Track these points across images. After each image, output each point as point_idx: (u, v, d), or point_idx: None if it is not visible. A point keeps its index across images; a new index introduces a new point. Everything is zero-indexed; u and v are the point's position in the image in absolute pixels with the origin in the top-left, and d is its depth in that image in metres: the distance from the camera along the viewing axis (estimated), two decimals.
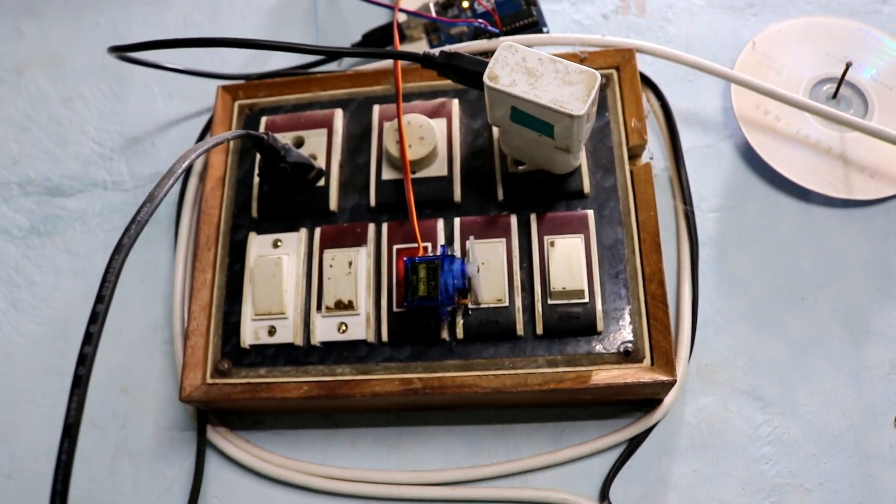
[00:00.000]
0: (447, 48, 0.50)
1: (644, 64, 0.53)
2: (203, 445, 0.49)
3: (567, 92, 0.39)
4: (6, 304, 0.56)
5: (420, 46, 0.55)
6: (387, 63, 0.54)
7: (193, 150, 0.35)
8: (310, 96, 0.53)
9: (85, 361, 0.28)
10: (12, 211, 0.59)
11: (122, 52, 0.47)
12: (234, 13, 0.63)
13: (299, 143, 0.50)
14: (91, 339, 0.28)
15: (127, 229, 0.30)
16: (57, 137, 0.61)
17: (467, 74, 0.42)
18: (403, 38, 0.55)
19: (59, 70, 0.64)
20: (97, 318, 0.28)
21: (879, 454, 0.45)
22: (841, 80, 0.52)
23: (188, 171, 0.55)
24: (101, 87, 0.63)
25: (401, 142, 0.47)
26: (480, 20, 0.53)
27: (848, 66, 0.51)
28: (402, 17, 0.55)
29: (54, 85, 0.63)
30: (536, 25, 0.54)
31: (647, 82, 0.53)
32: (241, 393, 0.45)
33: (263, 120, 0.51)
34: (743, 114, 0.52)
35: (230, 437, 0.49)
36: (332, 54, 0.47)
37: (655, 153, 0.53)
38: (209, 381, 0.46)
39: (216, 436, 0.49)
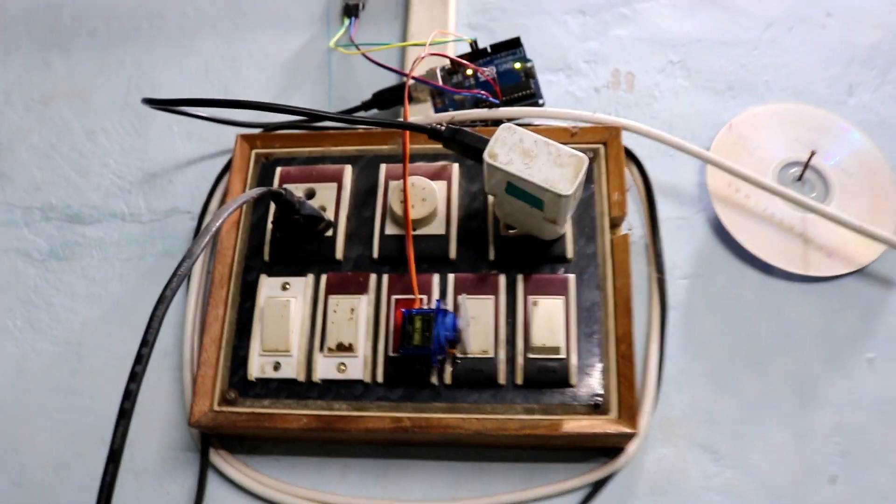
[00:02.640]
0: (450, 115, 0.55)
1: (630, 138, 0.58)
2: (205, 467, 0.53)
3: (558, 173, 0.44)
4: (24, 322, 0.60)
5: (426, 108, 0.60)
6: None
7: (226, 209, 0.40)
8: (322, 150, 0.57)
9: (130, 397, 0.32)
10: (33, 234, 0.63)
11: (154, 104, 0.51)
12: (252, 62, 0.68)
13: (311, 194, 0.55)
14: (136, 377, 0.32)
15: (169, 282, 0.35)
16: (79, 167, 0.65)
17: (469, 149, 0.47)
18: (411, 100, 0.60)
19: (84, 103, 0.68)
20: (142, 360, 0.33)
21: None
22: (806, 165, 0.58)
23: (203, 212, 0.60)
24: (124, 122, 0.67)
25: (405, 202, 0.51)
26: (482, 91, 0.58)
27: (812, 153, 0.57)
28: (410, 81, 0.59)
29: (78, 117, 0.68)
30: (534, 97, 0.59)
31: (632, 156, 0.59)
32: (246, 421, 0.49)
33: (278, 171, 0.56)
34: (716, 190, 0.58)
35: (231, 460, 0.53)
36: (346, 120, 0.52)
37: (635, 221, 0.58)
38: (216, 408, 0.50)
39: (218, 458, 0.53)
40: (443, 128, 0.48)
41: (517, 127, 0.46)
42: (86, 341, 0.59)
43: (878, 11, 0.64)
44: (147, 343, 0.33)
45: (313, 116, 0.48)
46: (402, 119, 0.56)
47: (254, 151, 0.58)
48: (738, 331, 0.55)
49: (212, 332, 0.52)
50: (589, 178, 0.54)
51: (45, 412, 0.57)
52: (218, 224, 0.38)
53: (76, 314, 0.60)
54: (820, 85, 0.62)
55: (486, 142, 0.46)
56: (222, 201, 0.59)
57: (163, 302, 0.34)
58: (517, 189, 0.46)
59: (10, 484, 0.55)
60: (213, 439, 0.54)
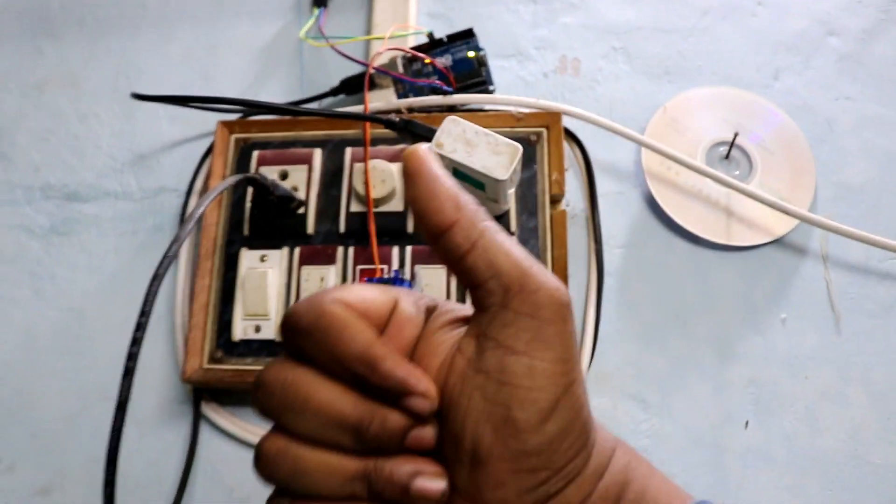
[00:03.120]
0: (409, 101, 0.61)
1: (573, 119, 0.64)
2: (198, 417, 0.60)
3: (495, 160, 0.51)
4: (30, 292, 0.67)
5: (388, 94, 0.66)
6: (359, 110, 0.65)
7: (208, 196, 0.46)
8: (294, 135, 0.63)
9: (133, 358, 0.39)
10: (35, 212, 0.69)
11: (142, 98, 0.57)
12: (230, 50, 0.74)
13: (284, 175, 0.61)
14: (137, 342, 0.39)
15: (161, 262, 0.41)
16: (74, 150, 0.71)
17: (419, 139, 0.54)
18: (374, 87, 0.66)
19: (76, 90, 0.74)
20: (141, 328, 0.39)
21: (732, 450, 0.57)
22: (731, 145, 0.64)
23: (189, 191, 0.66)
24: (114, 107, 0.73)
25: (366, 184, 0.58)
26: (437, 80, 0.64)
27: (736, 134, 0.63)
28: (372, 70, 0.65)
29: (71, 103, 0.73)
30: (485, 84, 0.65)
31: (574, 137, 0.65)
32: (232, 377, 0.57)
33: (255, 154, 0.62)
34: (650, 169, 0.64)
35: (220, 410, 0.60)
36: (313, 113, 0.58)
37: (575, 197, 0.64)
38: (206, 366, 0.57)
39: (208, 409, 0.60)
40: (397, 119, 0.55)
41: (461, 119, 0.52)
42: (86, 308, 0.65)
43: (804, 1, 0.70)
44: (145, 313, 0.40)
45: (283, 112, 0.54)
46: (363, 108, 0.62)
47: (233, 136, 0.64)
48: (667, 295, 0.62)
49: (199, 300, 0.59)
50: (532, 158, 0.60)
51: (54, 372, 0.64)
52: (201, 210, 0.45)
53: (77, 284, 0.66)
54: (748, 69, 0.69)
55: (433, 132, 0.52)
56: (206, 181, 0.65)
57: (157, 279, 0.41)
58: (462, 174, 0.52)
59: (27, 435, 0.62)
60: (204, 393, 0.61)
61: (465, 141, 0.51)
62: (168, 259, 0.41)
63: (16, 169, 0.71)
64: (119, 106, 0.73)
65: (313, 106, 0.69)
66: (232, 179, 0.51)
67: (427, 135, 0.53)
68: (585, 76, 0.69)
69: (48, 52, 0.76)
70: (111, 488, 0.38)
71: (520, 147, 0.51)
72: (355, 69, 0.67)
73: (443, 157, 0.52)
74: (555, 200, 0.60)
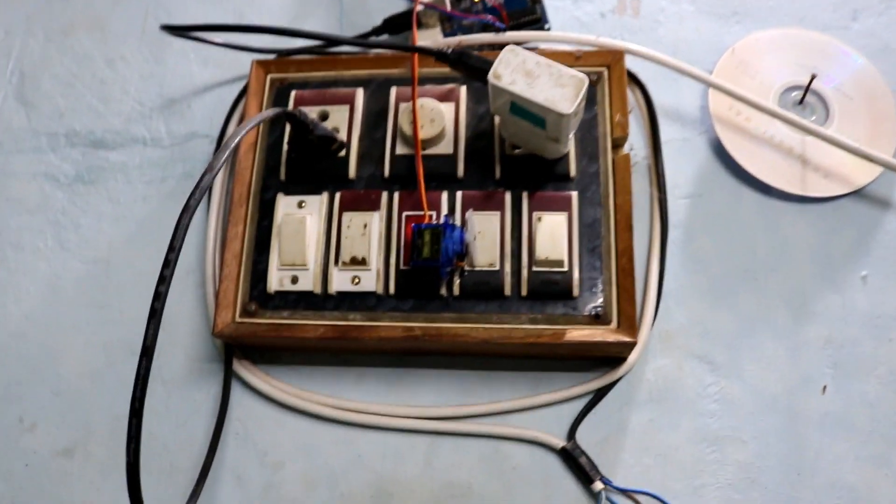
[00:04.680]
0: (457, 39, 0.56)
1: (634, 62, 0.60)
2: (229, 375, 0.56)
3: (559, 93, 0.46)
4: (55, 243, 0.63)
5: (434, 34, 0.62)
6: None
7: (244, 126, 0.42)
8: (334, 74, 0.59)
9: (160, 298, 0.35)
10: (59, 160, 0.66)
11: (174, 31, 0.53)
12: None
13: (324, 116, 0.57)
14: (165, 280, 0.35)
15: (192, 193, 0.37)
16: (100, 95, 0.68)
17: (474, 71, 0.49)
18: (420, 26, 0.62)
19: (103, 33, 0.70)
20: (169, 264, 0.35)
21: (807, 417, 0.53)
22: (807, 89, 0.59)
23: (221, 136, 0.62)
24: (142, 50, 0.69)
25: (414, 123, 0.53)
26: (489, 16, 0.59)
27: (813, 76, 0.58)
28: (419, 7, 0.61)
29: (97, 46, 0.70)
30: (539, 22, 0.61)
31: (635, 80, 0.60)
32: (266, 332, 0.53)
33: (293, 94, 0.58)
34: (717, 113, 0.59)
35: (253, 369, 0.56)
36: (358, 44, 0.54)
37: (638, 143, 0.60)
38: (238, 320, 0.53)
39: (240, 368, 0.56)
40: (449, 51, 0.50)
41: (520, 49, 0.47)
42: (113, 259, 0.62)
43: None
44: (174, 248, 0.36)
45: (326, 40, 0.50)
46: (410, 44, 0.57)
47: (269, 76, 0.60)
48: (736, 249, 0.57)
49: (232, 249, 0.55)
50: (592, 100, 0.55)
51: (78, 326, 0.60)
52: (237, 140, 0.41)
53: (103, 234, 0.63)
54: (824, 10, 0.63)
55: (490, 63, 0.48)
56: (239, 124, 0.61)
57: (187, 211, 0.37)
58: (521, 109, 0.48)
59: (50, 393, 0.59)
60: (235, 350, 0.57)
61: (525, 72, 0.47)
62: (200, 190, 0.37)
63: (40, 116, 0.68)
64: (148, 48, 0.69)
65: (355, 47, 0.64)
66: (270, 112, 0.46)
67: (483, 67, 0.48)
68: (646, 16, 0.64)
69: None
70: (136, 444, 0.34)
71: (585, 78, 0.46)
72: (399, 7, 0.63)
73: (501, 91, 0.47)
74: (617, 144, 0.55)
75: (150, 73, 0.68)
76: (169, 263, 0.36)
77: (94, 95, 0.68)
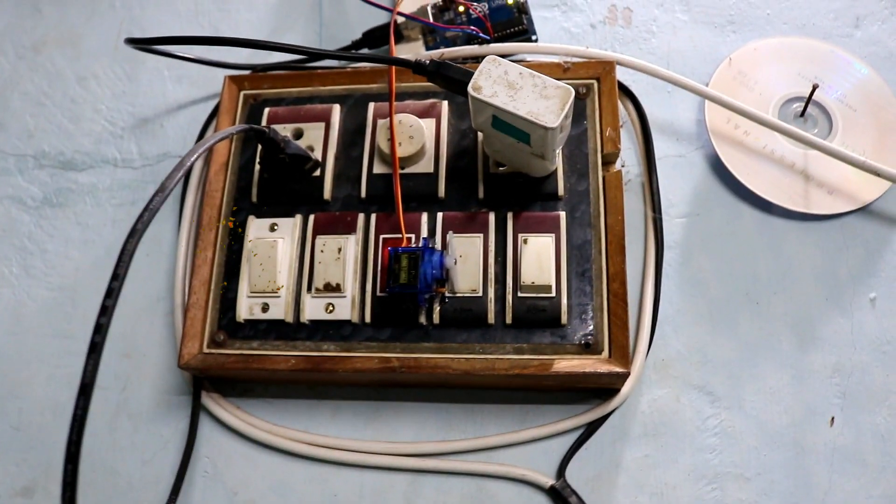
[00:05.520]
0: (439, 52, 0.53)
1: (625, 74, 0.57)
2: (197, 409, 0.53)
3: (543, 105, 0.43)
4: (19, 269, 0.60)
5: (417, 47, 0.59)
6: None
7: (202, 144, 0.39)
8: (310, 90, 0.56)
9: (101, 330, 0.32)
10: (27, 182, 0.63)
11: (138, 44, 0.50)
12: (242, 3, 0.67)
13: (298, 134, 0.54)
14: (107, 311, 0.32)
15: (140, 216, 0.34)
16: (71, 114, 0.65)
17: (454, 83, 0.46)
18: (401, 39, 0.59)
19: (75, 49, 0.67)
20: (112, 293, 0.32)
21: (815, 450, 0.49)
22: (808, 100, 0.56)
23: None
24: (115, 68, 0.66)
25: (391, 140, 0.50)
26: (473, 27, 0.56)
27: (814, 87, 0.55)
28: (400, 19, 0.58)
29: (70, 63, 0.67)
30: (526, 33, 0.58)
31: (627, 92, 0.57)
32: (235, 363, 0.49)
33: (266, 111, 0.55)
34: (714, 127, 0.56)
35: (222, 402, 0.53)
36: (331, 56, 0.51)
37: (630, 159, 0.56)
38: (206, 350, 0.50)
39: (209, 401, 0.53)
40: (427, 62, 0.47)
41: (502, 59, 0.44)
42: (80, 286, 0.59)
43: None
44: (117, 276, 0.33)
45: (297, 52, 0.47)
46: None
47: (242, 93, 0.57)
48: (735, 270, 0.54)
49: (200, 275, 0.52)
50: (581, 114, 0.52)
51: (42, 357, 0.57)
52: (192, 159, 0.38)
53: (70, 260, 0.60)
54: (825, 17, 0.60)
55: (470, 75, 0.45)
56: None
57: (133, 235, 0.34)
58: (503, 123, 0.45)
59: (9, 428, 0.55)
60: (204, 382, 0.53)
61: (507, 83, 0.44)
62: (149, 213, 0.34)
63: (8, 135, 0.65)
64: (121, 65, 0.66)
65: (332, 62, 0.61)
66: (234, 128, 0.43)
67: (463, 79, 0.45)
68: (638, 26, 0.61)
69: (47, 10, 0.69)
70: (71, 492, 0.30)
71: (571, 89, 0.43)
72: (379, 18, 0.60)
73: (482, 104, 0.44)
74: (608, 160, 0.52)
75: (122, 91, 0.65)
76: (112, 293, 0.33)
77: (65, 115, 0.65)
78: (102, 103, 0.65)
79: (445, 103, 0.54)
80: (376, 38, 0.59)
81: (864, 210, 0.54)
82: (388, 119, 0.51)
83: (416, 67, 0.47)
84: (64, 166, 0.63)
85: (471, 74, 0.45)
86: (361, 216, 0.51)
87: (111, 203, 0.61)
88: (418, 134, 0.51)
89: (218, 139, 0.41)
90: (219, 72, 0.61)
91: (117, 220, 0.60)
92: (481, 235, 0.49)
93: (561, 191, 0.50)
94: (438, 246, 0.50)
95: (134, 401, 0.55)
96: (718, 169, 0.56)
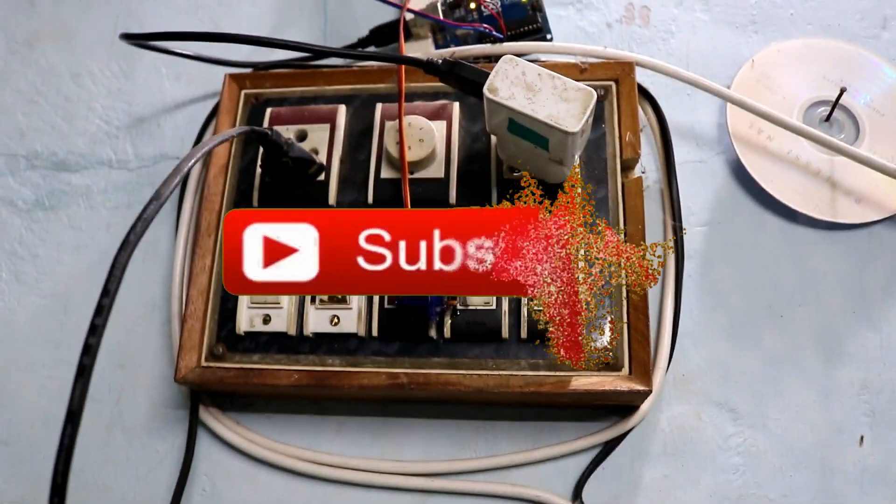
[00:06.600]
0: (450, 51, 0.51)
1: (643, 76, 0.54)
2: (195, 424, 0.50)
3: (563, 108, 0.40)
4: (9, 275, 0.57)
5: (426, 45, 0.57)
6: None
7: (200, 148, 0.36)
8: (315, 90, 0.54)
9: (90, 352, 0.29)
10: (18, 184, 0.60)
11: (134, 40, 0.48)
12: None
13: (302, 136, 0.51)
14: (96, 330, 0.29)
15: (133, 226, 0.32)
16: (65, 113, 0.62)
17: (468, 83, 0.44)
18: (410, 37, 0.57)
19: (70, 44, 0.65)
20: (102, 311, 0.30)
21: (843, 471, 0.47)
22: (835, 105, 0.53)
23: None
24: (111, 64, 0.64)
25: (401, 143, 0.48)
26: (485, 25, 0.54)
27: (842, 91, 0.52)
28: (409, 16, 0.56)
29: (64, 59, 0.64)
30: (541, 32, 0.55)
31: (646, 94, 0.55)
32: (235, 377, 0.47)
33: (268, 111, 0.53)
34: (737, 131, 0.54)
35: (221, 417, 0.51)
36: (338, 55, 0.48)
37: (649, 165, 0.54)
38: (204, 363, 0.48)
39: (208, 416, 0.51)
40: (440, 62, 0.45)
41: (519, 59, 0.42)
42: (72, 293, 0.56)
43: None
44: (108, 293, 0.31)
45: (300, 49, 0.45)
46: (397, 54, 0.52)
47: (243, 92, 0.54)
48: (758, 281, 0.51)
49: (198, 284, 0.49)
50: (599, 117, 0.50)
51: (32, 367, 0.55)
52: (191, 163, 0.35)
53: (62, 265, 0.57)
54: (851, 18, 0.58)
55: (486, 76, 0.42)
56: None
57: (125, 248, 0.31)
58: (520, 127, 0.42)
59: None
60: (203, 396, 0.51)
61: (525, 85, 0.41)
62: (142, 223, 0.31)
63: None
64: (117, 62, 0.63)
65: (338, 60, 0.59)
66: (234, 131, 0.41)
67: (477, 80, 0.43)
68: (657, 26, 0.59)
69: (41, 3, 0.67)
70: None
71: (593, 92, 0.41)
72: (386, 15, 0.57)
73: (498, 106, 0.41)
74: (627, 166, 0.49)
75: (118, 88, 0.63)
76: (102, 310, 0.30)
77: (58, 113, 0.62)
78: (97, 101, 0.62)
79: (457, 105, 0.51)
80: (384, 35, 0.57)
81: (894, 219, 0.52)
82: (397, 121, 0.49)
83: (428, 67, 0.45)
84: (57, 167, 0.60)
85: (486, 75, 0.42)
86: None
87: (106, 206, 0.59)
88: (429, 137, 0.49)
89: (217, 143, 0.39)
90: (219, 69, 0.59)
91: (112, 223, 0.58)
92: None
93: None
94: None
95: (128, 414, 0.52)
96: (740, 175, 0.54)
